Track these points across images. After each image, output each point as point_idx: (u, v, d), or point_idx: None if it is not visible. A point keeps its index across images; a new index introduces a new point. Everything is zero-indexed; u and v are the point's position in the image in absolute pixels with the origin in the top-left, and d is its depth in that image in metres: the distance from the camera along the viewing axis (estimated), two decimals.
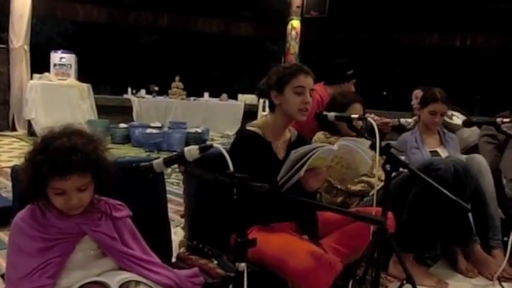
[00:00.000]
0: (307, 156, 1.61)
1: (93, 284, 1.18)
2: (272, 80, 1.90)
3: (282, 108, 1.89)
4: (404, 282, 1.79)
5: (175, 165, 1.30)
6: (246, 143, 1.86)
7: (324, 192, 2.40)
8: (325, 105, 2.54)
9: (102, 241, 1.31)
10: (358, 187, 2.36)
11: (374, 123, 1.78)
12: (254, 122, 2.01)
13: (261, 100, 7.17)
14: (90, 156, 1.24)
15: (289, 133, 2.01)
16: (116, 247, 1.32)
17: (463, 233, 2.40)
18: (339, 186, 2.34)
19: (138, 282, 1.21)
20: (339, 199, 2.37)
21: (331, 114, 1.92)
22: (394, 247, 1.75)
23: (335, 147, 1.68)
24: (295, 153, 1.64)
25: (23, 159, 1.26)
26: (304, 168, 1.60)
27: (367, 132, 2.01)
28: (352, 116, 1.88)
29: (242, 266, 1.15)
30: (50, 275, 1.22)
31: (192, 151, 1.26)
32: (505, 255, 2.31)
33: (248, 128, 1.94)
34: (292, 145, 1.97)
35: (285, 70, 1.89)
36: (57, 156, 1.19)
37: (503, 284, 2.26)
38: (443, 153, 2.69)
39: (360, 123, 2.24)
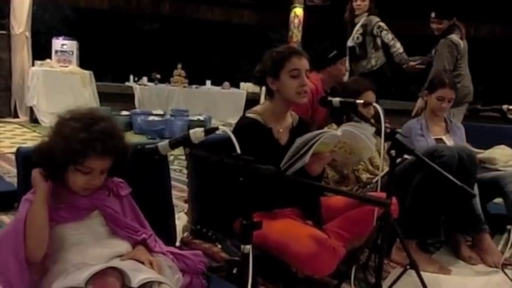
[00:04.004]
0: (312, 142, 1.62)
1: (111, 270, 1.17)
2: (267, 67, 1.88)
3: (280, 93, 1.88)
4: (408, 267, 1.79)
5: (178, 153, 1.31)
6: (246, 130, 1.84)
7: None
8: (339, 92, 2.54)
9: (112, 216, 1.34)
10: (365, 176, 2.37)
11: (380, 110, 1.77)
12: (254, 108, 1.99)
13: (263, 88, 7.14)
14: (121, 142, 1.32)
15: (291, 118, 2.00)
16: (124, 222, 1.36)
17: (469, 221, 2.39)
18: (345, 172, 2.34)
19: (160, 283, 1.21)
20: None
21: (336, 100, 1.91)
22: (398, 232, 1.76)
23: (339, 132, 1.68)
24: (300, 140, 1.64)
25: (49, 136, 1.29)
26: (309, 154, 1.60)
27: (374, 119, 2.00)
28: (357, 101, 1.86)
29: (248, 248, 1.15)
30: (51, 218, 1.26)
31: (197, 133, 1.26)
32: (507, 243, 2.32)
33: (248, 115, 1.93)
34: (294, 129, 1.96)
35: (278, 55, 1.87)
36: (103, 137, 1.25)
37: (506, 271, 2.26)
38: (448, 141, 2.69)
39: (372, 111, 2.23)
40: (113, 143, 1.28)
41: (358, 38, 3.89)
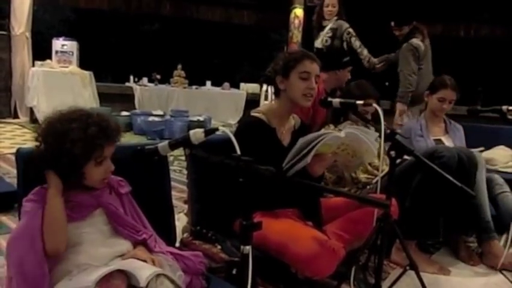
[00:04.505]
0: (314, 142, 1.62)
1: (116, 272, 1.17)
2: (278, 66, 1.90)
3: (287, 93, 1.89)
4: (407, 268, 1.79)
5: (178, 153, 1.32)
6: (251, 129, 1.86)
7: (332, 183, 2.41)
8: (341, 94, 2.55)
9: (114, 214, 1.35)
10: (363, 176, 2.37)
11: (380, 111, 1.77)
12: (259, 108, 2.01)
13: (263, 89, 7.13)
14: (116, 121, 1.37)
15: (294, 120, 2.01)
16: (126, 221, 1.36)
17: (479, 227, 2.38)
18: (346, 174, 2.35)
19: (158, 275, 1.22)
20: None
21: (336, 101, 1.91)
22: (398, 233, 1.76)
23: (342, 134, 1.68)
24: (302, 140, 1.65)
25: (50, 147, 1.28)
26: (311, 154, 1.61)
27: (373, 119, 2.01)
28: (358, 102, 1.87)
29: (247, 249, 1.15)
30: None
31: (197, 134, 1.26)
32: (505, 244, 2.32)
33: (253, 114, 1.94)
34: (296, 132, 1.97)
35: (291, 55, 1.90)
36: (107, 123, 1.30)
37: (505, 272, 2.27)
38: (447, 141, 2.69)
39: (371, 111, 2.23)
40: (114, 126, 1.33)
41: (326, 40, 4.04)
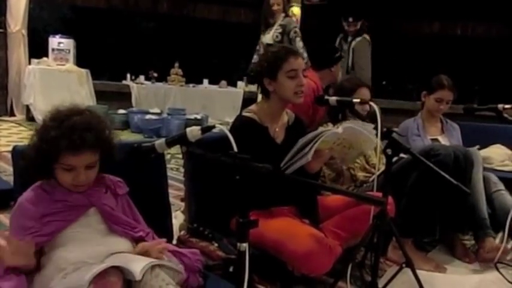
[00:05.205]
0: (314, 140, 1.63)
1: (112, 269, 1.17)
2: (262, 67, 1.87)
3: (277, 94, 1.88)
4: (404, 266, 1.80)
5: (175, 151, 1.31)
6: (243, 129, 1.85)
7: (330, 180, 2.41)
8: (334, 91, 2.57)
9: (109, 213, 1.34)
10: (362, 174, 2.38)
11: (377, 108, 1.78)
12: (250, 107, 2.00)
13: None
14: (102, 135, 1.29)
15: (287, 116, 2.01)
16: (120, 219, 1.36)
17: (475, 225, 2.39)
18: (343, 167, 2.35)
19: (153, 268, 1.21)
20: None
21: (333, 99, 1.92)
22: (394, 231, 1.76)
23: (340, 130, 1.69)
24: (302, 140, 1.65)
25: (31, 138, 1.28)
26: (312, 151, 1.62)
27: (369, 117, 2.02)
28: (354, 100, 1.87)
29: (244, 246, 1.15)
30: (43, 233, 1.24)
31: (194, 131, 1.26)
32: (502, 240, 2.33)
33: (244, 114, 1.94)
34: (290, 128, 1.97)
35: (274, 55, 1.87)
36: (73, 132, 1.22)
37: (501, 270, 2.27)
38: (444, 141, 2.71)
39: (367, 107, 2.24)
40: (85, 137, 1.23)
41: (277, 36, 4.19)
